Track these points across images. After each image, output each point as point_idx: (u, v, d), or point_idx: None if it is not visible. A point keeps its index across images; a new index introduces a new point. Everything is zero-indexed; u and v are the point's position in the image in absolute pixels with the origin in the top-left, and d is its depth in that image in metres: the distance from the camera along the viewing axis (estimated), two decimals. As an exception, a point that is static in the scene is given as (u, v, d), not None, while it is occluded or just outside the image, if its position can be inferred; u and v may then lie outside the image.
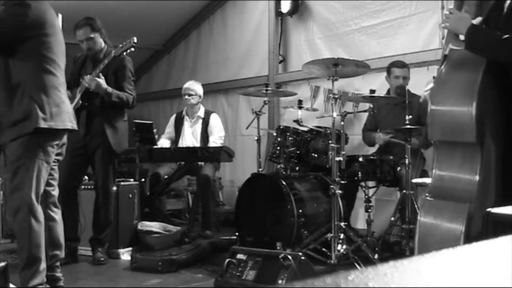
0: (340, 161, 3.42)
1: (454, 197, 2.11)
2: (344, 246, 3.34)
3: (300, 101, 4.17)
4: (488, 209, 1.79)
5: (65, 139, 2.85)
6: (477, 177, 2.08)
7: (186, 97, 4.88)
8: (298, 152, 3.90)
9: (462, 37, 2.33)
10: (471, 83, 2.12)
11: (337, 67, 3.39)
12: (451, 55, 2.27)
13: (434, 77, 4.24)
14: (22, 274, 2.64)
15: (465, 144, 2.11)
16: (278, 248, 3.23)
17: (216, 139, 4.81)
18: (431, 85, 2.50)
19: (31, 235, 2.62)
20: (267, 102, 4.21)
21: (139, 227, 4.02)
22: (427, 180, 3.09)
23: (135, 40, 3.56)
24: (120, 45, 3.62)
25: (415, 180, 3.58)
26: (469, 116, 2.06)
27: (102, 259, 3.71)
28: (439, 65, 2.31)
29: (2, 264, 2.16)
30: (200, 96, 4.93)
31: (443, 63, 2.27)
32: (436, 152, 2.24)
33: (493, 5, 2.28)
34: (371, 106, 3.55)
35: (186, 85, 4.95)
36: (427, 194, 2.23)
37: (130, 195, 4.07)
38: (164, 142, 4.93)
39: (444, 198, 2.15)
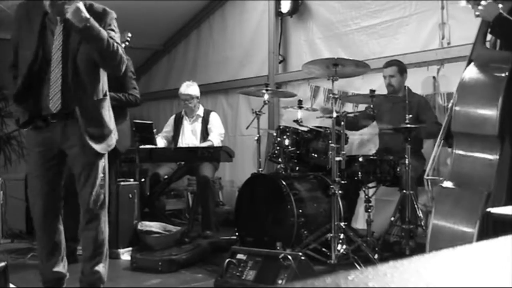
0: (340, 161, 3.42)
1: (471, 186, 2.18)
2: (344, 246, 3.34)
3: (300, 101, 4.17)
4: (488, 209, 1.80)
5: None
6: (496, 160, 2.15)
7: (184, 102, 4.90)
8: (298, 152, 3.90)
9: (487, 44, 2.50)
10: (497, 82, 2.26)
11: (337, 67, 3.39)
12: (477, 58, 2.42)
13: (434, 77, 4.28)
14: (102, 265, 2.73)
15: (486, 137, 2.21)
16: (278, 248, 3.23)
17: (216, 136, 4.81)
18: None
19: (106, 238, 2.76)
20: (267, 102, 4.21)
21: (139, 227, 4.01)
22: (440, 178, 3.11)
23: (129, 35, 3.59)
24: None
25: (427, 177, 3.58)
26: (494, 110, 2.18)
27: (102, 259, 3.72)
28: (464, 68, 2.45)
29: (2, 264, 2.16)
30: (197, 98, 4.93)
31: (467, 65, 2.42)
32: (456, 143, 2.35)
33: None
34: (371, 106, 3.55)
35: (181, 90, 4.92)
36: (444, 182, 2.30)
37: (130, 195, 4.07)
38: (158, 141, 4.92)
39: (461, 186, 2.22)
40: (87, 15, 2.51)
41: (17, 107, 2.74)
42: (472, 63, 2.39)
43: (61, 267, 2.78)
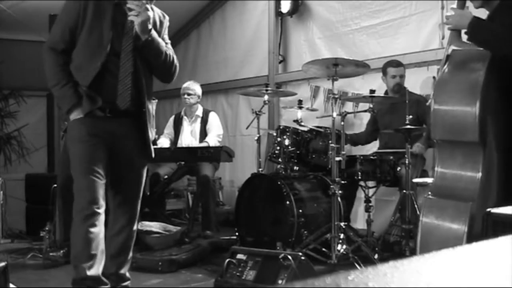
0: (340, 161, 3.42)
1: (456, 195, 2.12)
2: (344, 246, 3.34)
3: (300, 101, 4.17)
4: (488, 209, 1.80)
5: None
6: (479, 175, 2.08)
7: (185, 96, 4.89)
8: (298, 152, 3.90)
9: (464, 38, 2.37)
10: (474, 83, 2.14)
11: (337, 67, 3.39)
12: (453, 55, 2.30)
13: (434, 78, 4.28)
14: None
15: (468, 144, 2.12)
16: (278, 248, 3.23)
17: (213, 138, 4.80)
18: None
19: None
20: (267, 102, 4.21)
21: (139, 227, 4.01)
22: (428, 180, 3.10)
23: None
24: None
25: (416, 180, 3.58)
26: (473, 115, 2.08)
27: (102, 259, 3.71)
28: (441, 66, 2.35)
29: (2, 264, 2.16)
30: (199, 96, 4.94)
31: (445, 63, 2.29)
32: (438, 151, 2.26)
33: (498, 5, 2.32)
34: (371, 106, 3.55)
35: (185, 85, 4.97)
36: (429, 193, 2.24)
37: (130, 195, 4.06)
38: (163, 141, 4.93)
39: (446, 196, 2.16)
40: (151, 27, 2.50)
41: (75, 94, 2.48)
42: (448, 62, 2.29)
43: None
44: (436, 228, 2.12)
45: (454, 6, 2.38)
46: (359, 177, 3.73)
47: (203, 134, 4.87)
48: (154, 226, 4.08)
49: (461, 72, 2.28)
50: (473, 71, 2.20)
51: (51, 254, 3.60)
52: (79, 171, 2.48)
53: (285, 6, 5.42)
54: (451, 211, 2.11)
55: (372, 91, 3.52)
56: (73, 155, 2.53)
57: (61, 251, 3.63)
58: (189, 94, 4.89)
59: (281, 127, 4.05)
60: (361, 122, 4.85)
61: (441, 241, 2.07)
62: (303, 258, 2.83)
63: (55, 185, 3.95)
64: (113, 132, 2.55)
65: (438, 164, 2.23)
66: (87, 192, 2.43)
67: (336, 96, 3.68)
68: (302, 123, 4.01)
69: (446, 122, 2.18)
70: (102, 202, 2.46)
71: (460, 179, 2.15)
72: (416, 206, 3.58)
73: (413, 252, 3.44)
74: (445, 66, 2.28)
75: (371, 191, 3.95)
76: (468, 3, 2.49)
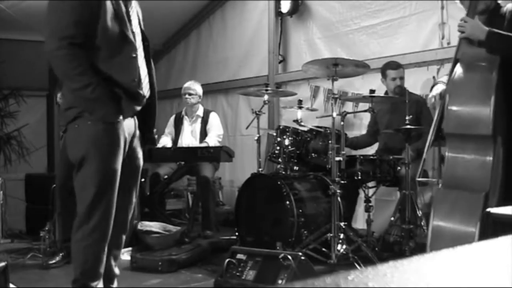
0: (340, 161, 3.42)
1: (468, 186, 2.18)
2: (344, 246, 3.34)
3: (300, 101, 4.17)
4: (488, 209, 1.81)
5: None
6: (490, 164, 2.16)
7: (186, 96, 4.90)
8: (298, 152, 3.90)
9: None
10: (487, 81, 2.26)
11: (337, 67, 3.39)
12: (463, 57, 2.41)
13: (434, 78, 4.29)
14: None
15: (481, 137, 2.22)
16: (278, 248, 3.23)
17: (213, 138, 4.81)
18: (438, 86, 2.61)
19: None
20: (267, 102, 4.21)
21: (139, 227, 4.01)
22: (432, 179, 3.12)
23: None
24: None
25: (419, 179, 3.58)
26: (487, 110, 2.19)
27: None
28: (450, 69, 2.44)
29: (2, 264, 2.16)
30: (199, 96, 4.95)
31: (454, 66, 2.41)
32: (449, 144, 2.34)
33: (494, 8, 2.39)
34: (371, 106, 3.55)
35: (186, 84, 4.98)
36: (440, 185, 2.30)
37: (130, 195, 4.06)
38: (165, 140, 4.94)
39: (458, 187, 2.21)
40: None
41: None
42: (459, 63, 2.38)
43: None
44: (449, 221, 2.16)
45: (463, 14, 2.46)
46: (359, 177, 3.73)
47: (204, 134, 4.88)
48: (154, 226, 4.08)
49: (473, 72, 2.37)
50: (485, 69, 2.31)
51: (49, 262, 3.54)
52: (106, 186, 2.24)
53: (285, 6, 5.42)
54: (463, 203, 2.15)
55: (372, 91, 3.52)
56: (101, 165, 2.23)
57: (60, 254, 3.61)
58: (190, 94, 4.89)
59: (281, 127, 4.05)
60: (361, 122, 4.85)
61: (453, 235, 2.11)
62: (303, 258, 2.83)
63: (55, 185, 3.95)
64: (131, 127, 2.40)
65: (449, 153, 2.33)
66: (109, 211, 2.26)
67: (336, 96, 3.68)
68: (302, 123, 4.01)
69: (461, 117, 2.28)
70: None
71: (471, 172, 2.21)
72: (416, 206, 3.58)
73: (413, 252, 3.44)
74: (457, 67, 2.38)
75: (371, 191, 3.95)
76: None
